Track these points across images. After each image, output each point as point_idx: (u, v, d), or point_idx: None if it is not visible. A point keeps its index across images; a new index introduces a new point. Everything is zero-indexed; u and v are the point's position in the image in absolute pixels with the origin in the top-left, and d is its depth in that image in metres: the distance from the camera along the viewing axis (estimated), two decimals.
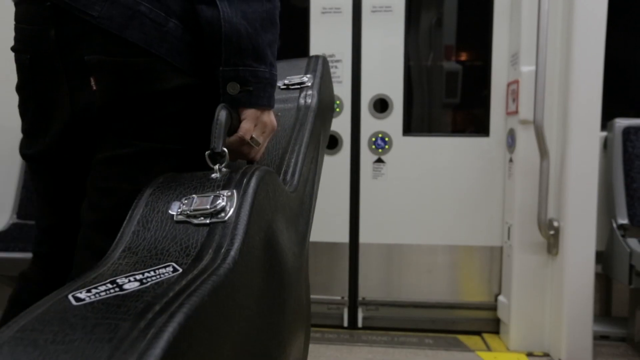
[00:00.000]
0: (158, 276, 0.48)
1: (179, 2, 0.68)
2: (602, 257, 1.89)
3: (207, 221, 0.56)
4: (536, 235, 1.82)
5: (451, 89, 2.11)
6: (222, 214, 0.56)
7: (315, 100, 0.96)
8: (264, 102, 0.71)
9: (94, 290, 0.45)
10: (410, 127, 2.08)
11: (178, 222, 0.57)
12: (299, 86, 1.00)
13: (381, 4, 2.02)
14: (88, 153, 0.73)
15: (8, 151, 2.04)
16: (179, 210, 0.58)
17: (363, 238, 2.09)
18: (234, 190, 0.59)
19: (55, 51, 0.70)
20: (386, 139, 2.05)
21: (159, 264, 0.51)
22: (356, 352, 1.89)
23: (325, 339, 2.01)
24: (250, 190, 0.59)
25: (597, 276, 1.85)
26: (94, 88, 0.68)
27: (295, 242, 0.75)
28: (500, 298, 2.01)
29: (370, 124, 2.06)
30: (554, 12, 1.76)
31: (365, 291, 2.10)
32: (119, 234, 0.58)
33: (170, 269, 0.50)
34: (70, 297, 0.44)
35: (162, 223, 0.57)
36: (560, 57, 1.79)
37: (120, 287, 0.45)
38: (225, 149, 0.65)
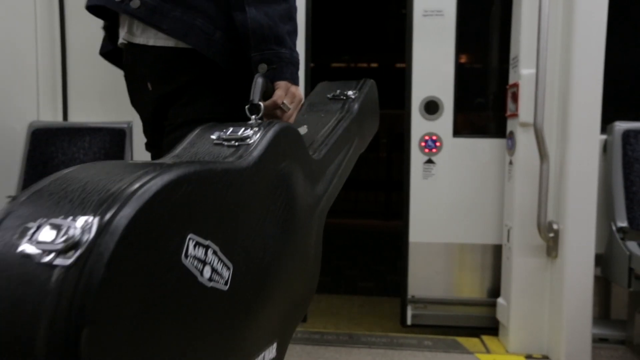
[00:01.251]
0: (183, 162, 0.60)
1: (222, 18, 0.89)
2: (602, 260, 1.89)
3: (236, 143, 0.72)
4: (536, 238, 1.82)
5: (500, 91, 2.11)
6: (248, 140, 0.72)
7: (356, 108, 1.16)
8: (287, 76, 0.89)
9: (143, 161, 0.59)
10: (460, 129, 2.10)
11: (215, 144, 0.73)
12: (343, 97, 1.21)
13: (432, 8, 2.04)
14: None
15: (8, 151, 2.04)
16: (218, 136, 0.74)
17: (413, 237, 2.11)
18: (261, 127, 0.75)
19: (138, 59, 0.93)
20: (436, 140, 2.07)
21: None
22: (355, 354, 1.89)
23: (324, 340, 2.01)
24: (272, 129, 0.75)
25: (597, 279, 1.85)
26: (150, 89, 0.94)
27: (310, 196, 0.89)
28: (500, 300, 2.01)
29: (420, 125, 2.08)
30: (554, 15, 1.77)
31: (415, 289, 2.13)
32: (173, 149, 0.74)
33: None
34: (128, 161, 0.60)
35: (203, 144, 0.73)
36: (561, 60, 1.79)
37: (161, 162, 0.57)
38: (261, 103, 0.81)
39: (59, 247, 0.40)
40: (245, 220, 0.63)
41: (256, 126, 0.75)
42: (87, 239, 0.40)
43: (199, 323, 0.52)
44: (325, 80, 1.34)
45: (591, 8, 1.72)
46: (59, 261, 0.40)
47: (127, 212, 0.42)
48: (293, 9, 0.91)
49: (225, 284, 0.57)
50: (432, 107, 2.07)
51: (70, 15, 2.19)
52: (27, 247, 0.41)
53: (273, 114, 0.90)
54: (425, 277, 2.13)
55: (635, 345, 1.93)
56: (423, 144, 2.10)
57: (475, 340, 2.05)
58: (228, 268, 0.57)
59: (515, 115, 1.86)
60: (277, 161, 0.75)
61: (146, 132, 1.06)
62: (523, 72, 1.82)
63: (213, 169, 0.58)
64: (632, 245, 1.75)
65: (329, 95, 1.25)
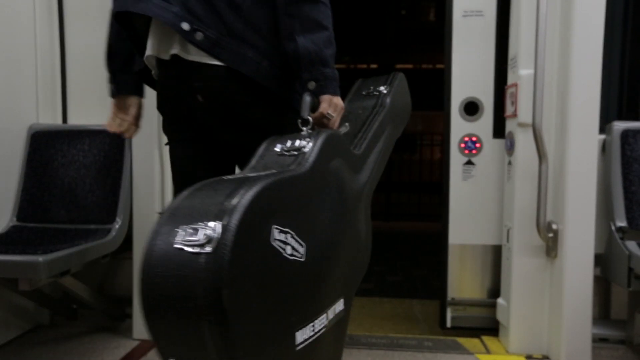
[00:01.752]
0: (261, 175, 0.83)
1: (268, 50, 1.09)
2: (601, 260, 1.89)
3: (295, 153, 0.95)
4: (535, 238, 1.82)
5: None
6: (303, 149, 0.96)
7: (388, 102, 1.37)
8: (332, 90, 1.09)
9: (230, 176, 0.86)
10: (501, 130, 2.07)
11: (279, 155, 0.97)
12: (376, 93, 1.41)
13: (472, 8, 2.03)
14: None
15: (8, 153, 2.04)
16: (280, 148, 0.98)
17: (452, 239, 2.10)
18: (311, 137, 0.99)
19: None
20: (476, 142, 2.06)
21: (267, 172, 0.88)
22: (355, 355, 1.89)
23: None
24: (321, 138, 0.99)
25: (596, 279, 1.85)
26: (200, 100, 1.11)
27: (355, 184, 1.15)
28: (499, 300, 2.01)
29: (460, 127, 2.08)
30: (552, 15, 1.77)
31: (454, 291, 2.12)
32: (249, 162, 0.99)
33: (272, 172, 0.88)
34: (220, 177, 0.84)
35: (270, 156, 0.98)
36: (559, 60, 1.80)
37: (247, 176, 0.82)
38: (310, 117, 1.05)
39: (201, 242, 0.66)
40: (309, 210, 0.90)
41: (307, 137, 1.00)
42: (216, 236, 0.66)
43: (288, 283, 0.80)
44: (360, 78, 1.62)
45: (589, 8, 1.72)
46: (202, 250, 0.66)
47: (236, 217, 0.68)
48: (332, 35, 1.09)
49: (302, 257, 0.83)
50: (471, 108, 2.06)
51: (69, 18, 2.19)
52: (179, 244, 0.67)
53: (321, 122, 1.10)
54: (464, 279, 2.11)
55: (635, 345, 1.93)
56: (463, 145, 2.08)
57: (475, 340, 2.05)
58: (302, 245, 0.83)
59: (514, 115, 1.87)
60: (327, 162, 1.00)
61: (174, 131, 1.20)
62: (521, 72, 1.82)
63: (283, 178, 0.84)
64: (631, 245, 1.75)
65: (363, 92, 1.46)
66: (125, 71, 1.29)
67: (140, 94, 1.34)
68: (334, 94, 1.10)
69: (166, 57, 1.09)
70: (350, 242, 1.08)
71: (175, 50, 1.07)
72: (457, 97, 2.07)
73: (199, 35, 1.03)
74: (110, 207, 1.99)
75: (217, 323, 0.65)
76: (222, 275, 0.65)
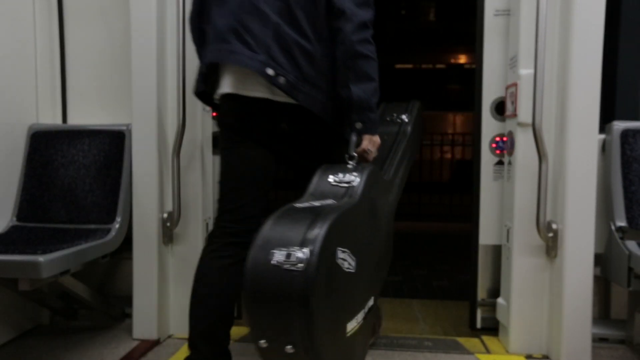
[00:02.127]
0: (327, 203, 1.15)
1: (330, 92, 1.36)
2: (601, 260, 1.89)
3: (346, 185, 1.24)
4: (535, 238, 1.82)
5: None
6: (353, 183, 1.24)
7: (409, 131, 1.77)
8: (373, 131, 1.38)
9: (300, 204, 1.14)
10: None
11: (333, 185, 1.25)
12: (399, 121, 1.79)
13: (503, 7, 2.01)
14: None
15: (8, 154, 2.04)
16: (334, 180, 1.25)
17: (482, 239, 2.09)
18: (358, 173, 1.27)
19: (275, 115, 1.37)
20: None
21: (326, 200, 1.19)
22: None
23: None
24: (365, 173, 1.28)
25: (596, 279, 1.85)
26: (285, 127, 1.38)
27: (385, 205, 1.50)
28: (499, 300, 2.01)
29: (491, 126, 2.06)
30: (552, 15, 1.77)
31: (484, 292, 2.11)
32: (307, 189, 1.27)
33: (330, 201, 1.18)
34: (292, 205, 1.13)
35: (325, 185, 1.25)
36: (559, 60, 1.80)
37: (313, 205, 1.13)
38: (355, 154, 1.36)
39: (294, 262, 0.97)
40: (357, 231, 1.20)
41: (354, 170, 1.29)
42: (306, 259, 0.97)
43: (344, 289, 1.12)
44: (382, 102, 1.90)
45: (589, 8, 1.72)
46: (295, 269, 0.96)
47: (318, 245, 0.98)
48: (378, 86, 1.35)
49: (353, 269, 1.13)
50: (502, 108, 2.03)
51: (69, 17, 2.19)
52: (276, 262, 0.98)
53: (362, 156, 1.38)
54: (495, 280, 2.09)
55: (635, 344, 1.93)
56: (494, 145, 2.06)
57: (475, 340, 2.05)
58: (353, 260, 1.13)
59: (514, 115, 1.87)
60: (370, 192, 1.29)
61: (238, 142, 1.42)
62: (521, 72, 1.82)
63: (344, 211, 1.11)
64: (631, 244, 1.75)
65: (387, 119, 1.80)
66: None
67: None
68: (374, 133, 1.38)
69: (247, 94, 1.33)
70: (379, 252, 1.40)
71: (259, 93, 1.33)
72: (488, 97, 2.05)
73: (281, 80, 1.28)
74: (110, 207, 1.99)
75: (305, 318, 0.98)
76: (310, 286, 0.97)
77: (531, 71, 1.76)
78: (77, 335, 2.03)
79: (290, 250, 0.99)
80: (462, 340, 2.05)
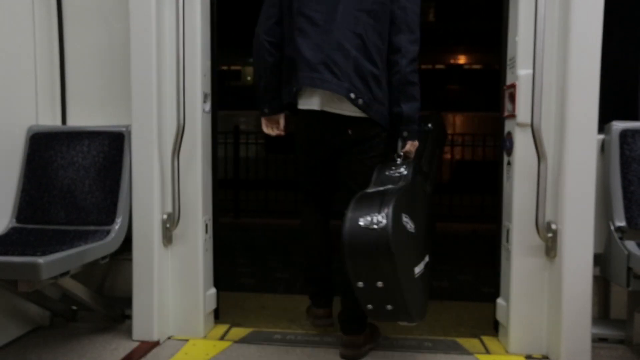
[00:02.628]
0: (388, 187, 1.61)
1: (387, 107, 1.75)
2: (600, 260, 1.89)
3: (399, 175, 1.67)
4: (534, 238, 1.82)
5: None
6: (403, 172, 1.69)
7: (434, 136, 2.12)
8: (415, 137, 1.77)
9: (370, 190, 1.62)
10: None
11: (390, 176, 1.67)
12: (426, 129, 2.09)
13: None
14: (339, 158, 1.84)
15: (7, 155, 2.04)
16: (389, 172, 1.69)
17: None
18: (406, 166, 1.71)
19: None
20: None
21: (387, 185, 1.62)
22: None
23: (325, 343, 2.02)
24: (411, 165, 1.73)
25: (595, 279, 1.85)
26: (350, 133, 1.76)
27: (425, 188, 1.90)
28: (499, 301, 2.01)
29: None
30: (550, 15, 1.77)
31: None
32: (372, 180, 1.69)
33: (390, 186, 1.62)
34: (364, 191, 1.61)
35: (384, 176, 1.68)
36: (558, 60, 1.80)
37: (378, 189, 1.60)
38: (402, 153, 1.77)
39: (376, 223, 1.43)
40: (413, 204, 1.63)
41: (403, 164, 1.73)
42: (382, 221, 1.42)
43: (410, 243, 1.54)
44: None
45: (587, 8, 1.72)
46: (377, 227, 1.42)
47: (390, 211, 1.44)
48: (420, 105, 1.75)
49: (413, 230, 1.57)
50: None
51: (68, 19, 2.19)
52: (363, 224, 1.44)
53: (406, 155, 1.79)
54: None
55: (634, 344, 1.93)
56: None
57: (474, 341, 2.05)
58: (413, 224, 1.57)
59: (512, 115, 1.87)
60: (415, 178, 1.71)
61: (315, 153, 1.88)
62: (520, 72, 1.82)
63: (403, 189, 1.59)
64: (630, 244, 1.75)
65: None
66: (276, 99, 1.85)
67: (284, 111, 1.89)
68: (415, 139, 1.78)
69: (330, 110, 1.72)
70: (427, 222, 1.76)
71: (337, 110, 1.72)
72: None
73: (360, 101, 1.68)
74: (110, 209, 1.99)
75: (389, 259, 1.42)
76: (388, 237, 1.41)
77: (530, 71, 1.76)
78: (76, 337, 2.03)
79: (372, 216, 1.44)
80: (461, 340, 2.05)
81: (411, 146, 1.77)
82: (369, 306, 1.51)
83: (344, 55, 1.65)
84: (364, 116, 1.69)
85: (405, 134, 1.74)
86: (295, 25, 1.70)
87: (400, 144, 1.76)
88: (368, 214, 1.45)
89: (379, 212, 1.44)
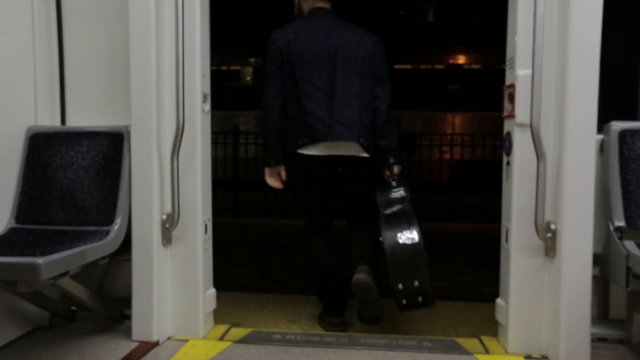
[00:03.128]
0: (399, 207, 2.08)
1: (373, 141, 2.12)
2: (599, 260, 1.89)
3: (400, 197, 2.10)
4: (534, 238, 1.83)
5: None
6: (402, 193, 2.11)
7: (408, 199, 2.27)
8: (398, 162, 2.16)
9: (389, 212, 2.07)
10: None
11: (393, 198, 2.10)
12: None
13: None
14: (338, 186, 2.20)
15: (6, 156, 2.04)
16: (391, 194, 2.11)
17: None
18: (401, 187, 2.13)
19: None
20: None
21: (396, 206, 2.07)
22: (354, 356, 1.89)
23: (323, 342, 2.02)
24: (405, 186, 2.14)
25: (595, 278, 1.85)
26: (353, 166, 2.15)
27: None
28: (498, 301, 2.01)
29: None
30: (549, 15, 1.77)
31: None
32: (379, 202, 2.11)
33: (400, 205, 2.08)
34: (383, 213, 2.08)
35: (387, 198, 2.11)
36: (557, 61, 1.80)
37: (393, 210, 2.06)
38: (395, 177, 2.18)
39: (410, 238, 1.95)
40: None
41: (399, 187, 2.13)
42: (415, 237, 1.95)
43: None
44: None
45: (586, 8, 1.72)
46: (412, 242, 1.94)
47: (416, 228, 1.98)
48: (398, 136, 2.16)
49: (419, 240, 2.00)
50: None
51: (67, 19, 2.19)
52: (400, 241, 1.95)
53: (393, 177, 2.15)
54: None
55: (634, 344, 1.93)
56: None
57: (474, 340, 2.05)
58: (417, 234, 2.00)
59: (512, 116, 1.87)
60: (409, 195, 2.12)
61: (313, 185, 2.19)
62: (519, 72, 1.82)
63: (411, 211, 2.06)
64: (629, 244, 1.75)
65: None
66: (280, 152, 2.12)
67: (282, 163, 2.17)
68: (399, 164, 2.16)
69: (337, 153, 2.08)
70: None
71: (350, 152, 2.08)
72: None
73: (365, 144, 2.06)
74: (109, 209, 1.99)
75: (424, 263, 1.90)
76: (422, 248, 1.91)
77: (529, 72, 1.76)
78: (76, 337, 2.03)
79: (405, 234, 1.94)
80: (461, 340, 2.05)
81: (397, 169, 2.16)
82: (404, 301, 1.94)
83: (352, 111, 2.04)
84: (364, 153, 2.09)
85: (392, 160, 2.14)
86: (302, 91, 2.04)
87: (387, 169, 2.15)
88: (401, 231, 1.95)
89: (409, 230, 1.95)
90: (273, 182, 2.17)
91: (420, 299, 1.93)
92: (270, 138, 2.10)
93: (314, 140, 2.03)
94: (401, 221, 1.98)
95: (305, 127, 2.03)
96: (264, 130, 2.12)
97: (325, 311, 2.28)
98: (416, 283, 1.90)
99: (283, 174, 2.17)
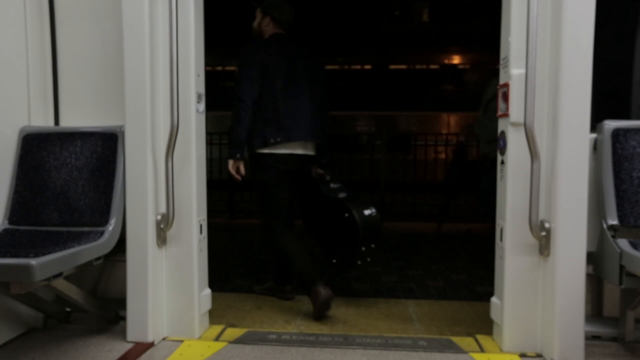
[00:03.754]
0: (351, 193, 2.58)
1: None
2: (593, 258, 1.91)
3: (338, 186, 2.61)
4: (528, 237, 1.83)
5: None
6: (340, 185, 2.64)
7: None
8: (326, 164, 2.74)
9: (343, 196, 2.56)
10: None
11: (333, 187, 2.60)
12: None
13: None
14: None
15: None
16: (332, 185, 2.64)
17: None
18: (335, 181, 2.66)
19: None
20: None
21: (342, 192, 2.58)
22: (350, 355, 1.89)
23: (319, 342, 2.02)
24: (337, 181, 2.72)
25: (588, 277, 1.86)
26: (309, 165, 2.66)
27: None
28: (493, 299, 2.02)
29: None
30: (543, 15, 1.78)
31: None
32: (325, 191, 2.59)
33: (346, 192, 2.58)
34: (340, 198, 2.55)
35: (330, 188, 2.60)
36: (550, 60, 1.81)
37: (348, 195, 2.58)
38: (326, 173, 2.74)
39: (373, 212, 2.49)
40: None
41: (332, 180, 2.63)
42: (374, 210, 2.51)
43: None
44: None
45: (579, 8, 1.73)
46: (375, 214, 2.50)
47: (374, 206, 2.53)
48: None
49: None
50: None
51: (60, 19, 2.18)
52: (366, 214, 2.48)
53: (326, 173, 2.64)
54: None
55: (627, 342, 1.95)
56: None
57: (469, 339, 2.06)
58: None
59: (506, 115, 1.88)
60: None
61: (289, 184, 2.49)
62: (513, 72, 1.83)
63: (357, 195, 2.57)
64: (622, 242, 1.77)
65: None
66: (245, 148, 2.37)
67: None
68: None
69: (299, 152, 2.43)
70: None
71: (309, 151, 2.49)
72: None
73: (318, 144, 2.52)
74: (103, 210, 1.98)
75: (381, 229, 2.51)
76: (380, 217, 2.48)
77: (523, 71, 1.77)
78: (70, 339, 2.02)
79: (368, 209, 2.45)
80: (456, 339, 2.06)
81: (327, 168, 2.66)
82: (359, 262, 2.40)
83: (313, 117, 2.45)
84: (313, 152, 2.51)
85: (324, 160, 2.60)
86: (278, 97, 2.35)
87: (321, 167, 2.61)
88: (365, 208, 2.45)
89: (367, 207, 2.47)
90: (234, 171, 2.37)
91: (369, 259, 2.43)
92: (242, 135, 2.33)
93: (288, 140, 2.37)
94: (360, 200, 2.48)
95: (280, 127, 2.35)
96: (239, 127, 2.32)
97: (318, 284, 2.33)
98: (373, 245, 2.41)
99: (242, 168, 2.38)
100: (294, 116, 2.38)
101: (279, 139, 2.35)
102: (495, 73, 2.03)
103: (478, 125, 3.47)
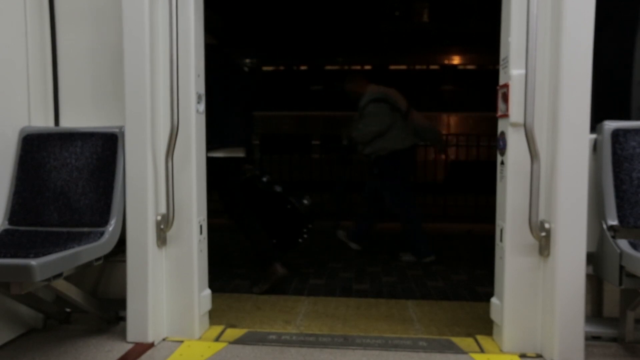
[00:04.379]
0: (278, 186, 3.28)
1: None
2: (593, 258, 1.91)
3: (268, 180, 3.33)
4: (528, 237, 1.83)
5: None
6: (270, 179, 3.39)
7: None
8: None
9: (279, 190, 3.26)
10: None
11: (268, 182, 3.28)
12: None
13: None
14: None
15: None
16: (264, 179, 3.33)
17: None
18: (265, 176, 3.40)
19: None
20: None
21: (276, 186, 3.26)
22: (350, 355, 1.89)
23: (319, 343, 2.02)
24: (267, 175, 3.46)
25: (588, 277, 1.86)
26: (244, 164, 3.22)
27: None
28: (493, 300, 2.02)
29: None
30: (542, 15, 1.78)
31: None
32: (261, 185, 3.27)
33: (279, 186, 3.27)
34: (280, 190, 3.25)
35: (266, 182, 3.29)
36: (550, 61, 1.81)
37: (281, 189, 3.26)
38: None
39: (308, 201, 3.28)
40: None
41: (263, 176, 3.31)
42: (308, 199, 3.28)
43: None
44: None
45: (579, 8, 1.73)
46: (308, 203, 3.30)
47: (307, 197, 3.34)
48: None
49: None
50: None
51: (61, 20, 2.18)
52: (306, 203, 3.27)
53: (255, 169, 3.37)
54: None
55: (627, 342, 1.95)
56: None
57: (469, 340, 2.06)
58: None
59: (506, 115, 1.88)
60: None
61: (236, 181, 2.92)
62: (513, 72, 1.83)
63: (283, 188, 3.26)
64: (622, 243, 1.77)
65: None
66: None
67: None
68: None
69: (235, 155, 2.81)
70: None
71: (240, 154, 2.85)
72: None
73: (251, 149, 3.01)
74: (104, 210, 1.99)
75: (314, 215, 3.27)
76: (312, 205, 3.30)
77: (522, 71, 1.77)
78: (70, 339, 2.02)
79: (304, 199, 3.17)
80: (456, 340, 2.06)
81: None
82: (300, 240, 3.13)
83: (244, 126, 2.87)
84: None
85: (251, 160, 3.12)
86: (220, 108, 2.63)
87: (251, 164, 3.15)
88: (302, 198, 3.13)
89: (303, 197, 3.14)
90: None
91: (306, 237, 3.12)
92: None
93: (236, 145, 2.82)
94: (294, 192, 3.12)
95: (227, 134, 2.75)
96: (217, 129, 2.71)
97: (276, 262, 2.78)
98: (310, 226, 3.11)
99: None
100: (231, 126, 2.84)
101: (227, 145, 2.84)
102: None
103: (355, 129, 3.57)
